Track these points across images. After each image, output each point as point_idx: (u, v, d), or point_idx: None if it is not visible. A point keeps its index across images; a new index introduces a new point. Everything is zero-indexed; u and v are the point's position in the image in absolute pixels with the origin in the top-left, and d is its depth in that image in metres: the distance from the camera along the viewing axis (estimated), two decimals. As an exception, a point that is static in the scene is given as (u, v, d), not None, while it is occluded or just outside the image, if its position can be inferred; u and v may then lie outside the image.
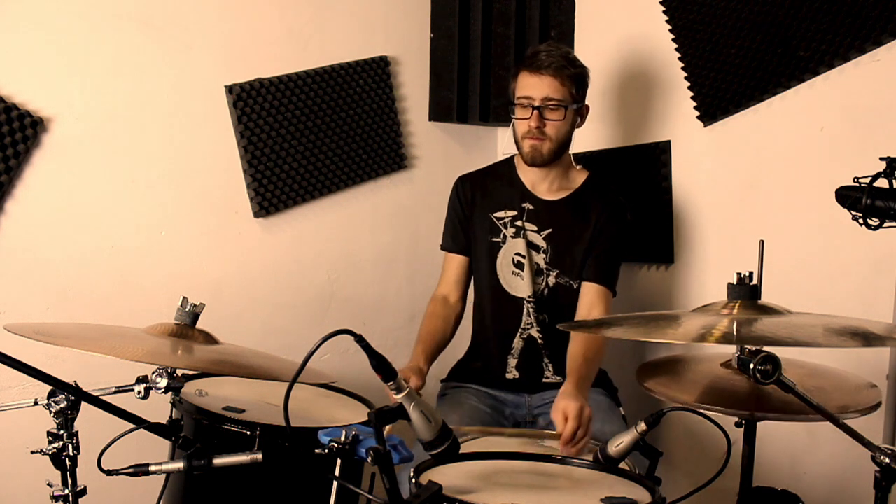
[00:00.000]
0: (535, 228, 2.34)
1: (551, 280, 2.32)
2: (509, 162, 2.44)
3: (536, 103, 2.23)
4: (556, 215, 2.33)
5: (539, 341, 2.33)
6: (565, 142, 2.30)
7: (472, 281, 2.44)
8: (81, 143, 2.37)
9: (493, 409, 2.29)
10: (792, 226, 2.24)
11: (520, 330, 2.34)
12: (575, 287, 2.32)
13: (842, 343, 1.34)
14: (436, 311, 2.39)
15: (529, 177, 2.37)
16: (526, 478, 1.63)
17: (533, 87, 2.23)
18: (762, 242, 1.61)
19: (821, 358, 1.80)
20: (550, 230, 2.33)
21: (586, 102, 2.33)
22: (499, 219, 2.36)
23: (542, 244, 2.33)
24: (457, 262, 2.43)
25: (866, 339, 1.36)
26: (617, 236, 2.33)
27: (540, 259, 2.33)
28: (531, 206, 2.35)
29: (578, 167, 2.40)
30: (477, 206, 2.40)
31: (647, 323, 1.60)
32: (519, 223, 2.34)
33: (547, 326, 2.32)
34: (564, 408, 1.92)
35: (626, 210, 2.36)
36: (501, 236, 2.35)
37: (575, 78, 2.25)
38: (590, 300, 2.29)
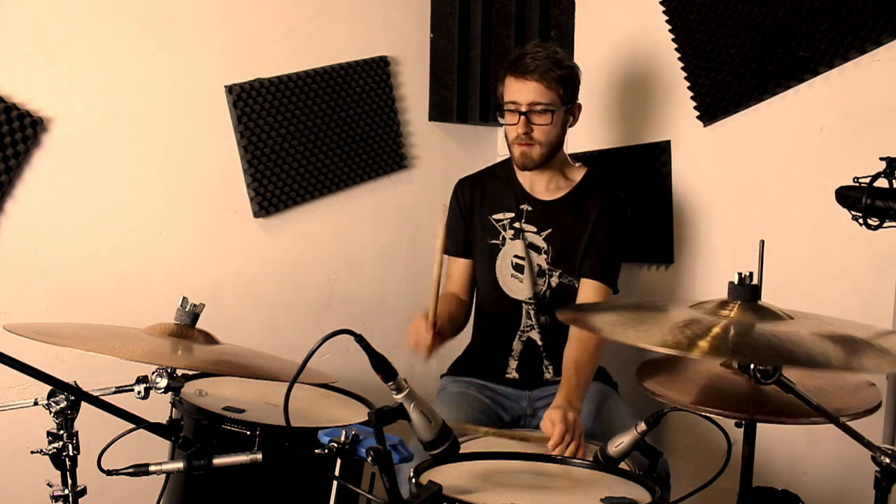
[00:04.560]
0: (535, 230, 2.32)
1: (554, 280, 2.31)
2: (507, 163, 2.42)
3: (523, 108, 2.19)
4: (555, 215, 2.32)
5: (538, 343, 2.33)
6: (556, 144, 2.26)
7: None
8: (81, 143, 2.37)
9: (493, 402, 2.29)
10: (792, 226, 2.24)
11: (519, 332, 2.33)
12: (577, 286, 2.30)
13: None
14: (448, 297, 2.36)
15: (527, 178, 2.35)
16: (526, 478, 1.63)
17: (518, 92, 2.19)
18: (762, 242, 1.60)
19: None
20: (550, 230, 2.31)
21: (579, 101, 2.29)
22: (497, 221, 2.36)
23: (543, 245, 2.31)
24: (460, 265, 2.41)
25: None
26: (615, 232, 2.29)
27: (541, 260, 2.31)
28: (529, 208, 2.33)
29: (577, 164, 2.38)
30: (476, 209, 2.38)
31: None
32: (517, 225, 2.33)
33: (547, 328, 2.31)
34: (551, 416, 1.92)
35: (626, 206, 2.33)
36: (500, 238, 2.35)
37: (562, 80, 2.20)
38: (586, 297, 2.25)
